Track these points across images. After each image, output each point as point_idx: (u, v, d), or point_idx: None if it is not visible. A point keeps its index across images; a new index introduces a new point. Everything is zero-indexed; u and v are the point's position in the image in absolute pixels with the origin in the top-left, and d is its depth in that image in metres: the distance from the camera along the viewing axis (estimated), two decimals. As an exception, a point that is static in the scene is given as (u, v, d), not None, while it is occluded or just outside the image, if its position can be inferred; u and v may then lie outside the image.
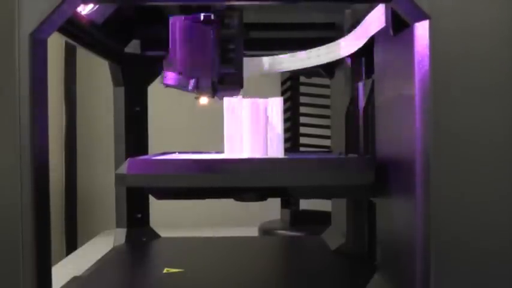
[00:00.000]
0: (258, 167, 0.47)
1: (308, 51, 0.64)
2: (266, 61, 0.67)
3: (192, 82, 0.58)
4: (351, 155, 0.59)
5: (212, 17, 0.58)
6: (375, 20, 0.48)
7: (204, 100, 0.62)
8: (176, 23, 0.58)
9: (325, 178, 0.47)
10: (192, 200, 0.61)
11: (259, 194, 0.51)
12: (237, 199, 0.51)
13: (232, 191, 0.51)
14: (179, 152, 0.63)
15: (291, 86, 1.01)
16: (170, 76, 0.59)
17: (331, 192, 0.57)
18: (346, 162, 0.50)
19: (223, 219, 1.10)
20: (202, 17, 0.58)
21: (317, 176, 0.47)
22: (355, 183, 0.48)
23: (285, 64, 0.66)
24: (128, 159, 0.48)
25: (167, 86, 0.59)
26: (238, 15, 0.60)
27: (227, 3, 0.58)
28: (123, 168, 0.47)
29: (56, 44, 1.10)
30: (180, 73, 0.58)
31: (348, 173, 0.48)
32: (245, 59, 0.62)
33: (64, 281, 0.55)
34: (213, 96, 0.61)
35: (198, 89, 0.59)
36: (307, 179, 0.47)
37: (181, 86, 0.59)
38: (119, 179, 0.48)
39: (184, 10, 0.59)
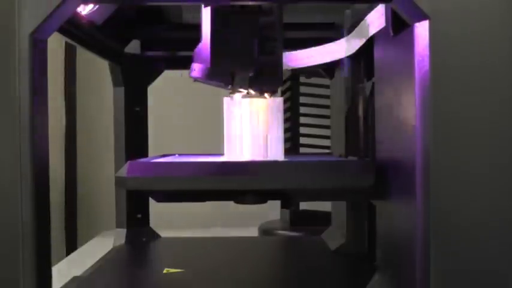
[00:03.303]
0: (258, 170, 0.47)
1: (308, 50, 0.64)
2: None
3: (226, 76, 0.52)
4: (350, 158, 0.59)
5: (249, 2, 0.52)
6: (375, 20, 0.48)
7: (238, 97, 0.54)
8: (209, 9, 0.51)
9: (325, 181, 0.47)
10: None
11: (260, 196, 0.51)
12: (237, 202, 0.51)
13: (232, 193, 0.51)
14: (179, 155, 0.63)
15: (291, 86, 1.01)
16: (200, 69, 0.51)
17: (331, 195, 0.57)
18: (345, 165, 0.50)
19: (223, 219, 1.10)
20: (238, 3, 0.51)
21: (317, 179, 0.47)
22: (355, 186, 0.48)
23: (285, 63, 0.66)
24: (128, 161, 0.48)
25: (195, 79, 0.52)
26: None
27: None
28: (123, 171, 0.47)
29: (56, 44, 1.10)
30: (212, 66, 0.51)
31: (348, 176, 0.48)
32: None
33: (64, 281, 0.55)
34: (248, 92, 0.54)
35: (234, 84, 0.53)
36: (307, 182, 0.47)
37: (212, 81, 0.52)
38: (119, 181, 0.48)
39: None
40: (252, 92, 0.55)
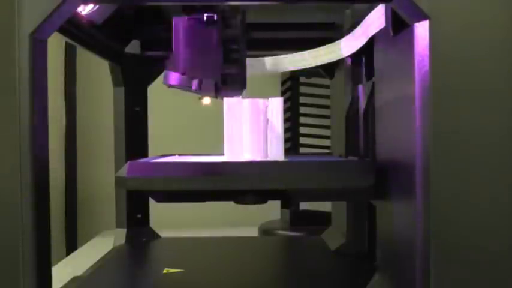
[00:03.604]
0: (258, 170, 0.47)
1: (308, 51, 0.64)
2: (267, 61, 0.67)
3: (195, 83, 0.58)
4: (350, 158, 0.59)
5: (215, 17, 0.58)
6: (375, 20, 0.48)
7: (207, 100, 0.62)
8: (179, 23, 0.58)
9: (325, 181, 0.47)
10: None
11: (260, 196, 0.51)
12: (237, 202, 0.51)
13: (232, 193, 0.51)
14: (179, 155, 0.63)
15: (291, 86, 1.01)
16: (173, 76, 0.58)
17: (331, 195, 0.57)
18: (345, 165, 0.50)
19: (224, 219, 1.10)
20: (205, 18, 0.58)
21: (317, 179, 0.47)
22: (355, 186, 0.48)
23: (286, 64, 0.66)
24: (128, 162, 0.48)
25: (170, 86, 0.59)
26: (241, 15, 0.59)
27: (227, 3, 0.57)
28: (123, 171, 0.47)
29: (56, 44, 1.10)
30: (183, 73, 0.58)
31: (348, 176, 0.48)
32: (246, 59, 0.62)
33: (64, 281, 0.55)
34: (215, 97, 0.60)
35: (201, 90, 0.59)
36: (307, 182, 0.47)
37: (183, 87, 0.58)
38: (119, 181, 0.48)
39: (187, 10, 0.59)
40: (218, 97, 0.60)
